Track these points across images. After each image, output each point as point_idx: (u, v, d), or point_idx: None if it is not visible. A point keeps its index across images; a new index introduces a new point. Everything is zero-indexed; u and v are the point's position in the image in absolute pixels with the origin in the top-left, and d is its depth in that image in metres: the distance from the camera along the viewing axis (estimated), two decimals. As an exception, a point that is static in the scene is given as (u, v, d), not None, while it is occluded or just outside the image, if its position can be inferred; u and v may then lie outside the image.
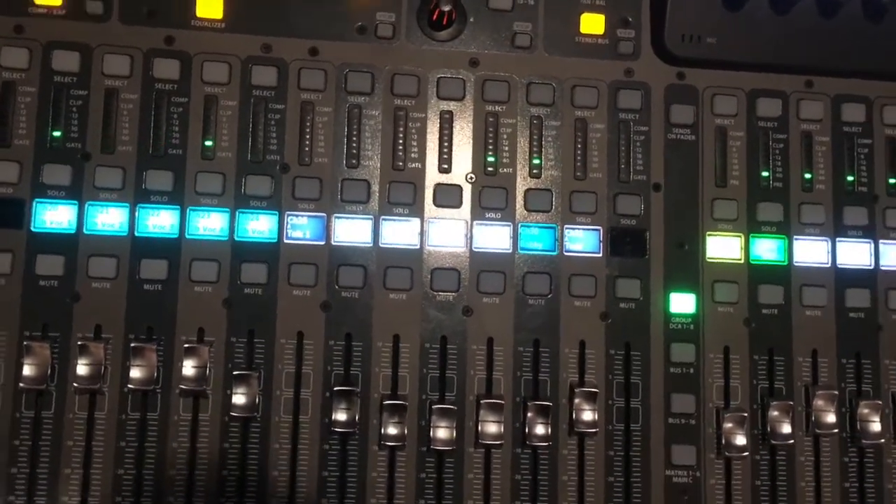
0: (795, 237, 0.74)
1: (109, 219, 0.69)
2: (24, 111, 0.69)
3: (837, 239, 0.75)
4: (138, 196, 0.70)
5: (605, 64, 0.75)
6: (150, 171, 0.70)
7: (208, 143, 0.71)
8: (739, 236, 0.74)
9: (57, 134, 0.69)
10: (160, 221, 0.69)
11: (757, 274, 0.74)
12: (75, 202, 0.69)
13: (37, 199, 0.68)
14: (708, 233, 0.74)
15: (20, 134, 0.69)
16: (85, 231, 0.69)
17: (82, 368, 0.66)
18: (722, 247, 0.74)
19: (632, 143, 0.74)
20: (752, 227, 0.74)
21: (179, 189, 0.70)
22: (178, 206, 0.70)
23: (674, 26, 0.74)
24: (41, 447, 0.66)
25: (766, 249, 0.74)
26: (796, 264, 0.74)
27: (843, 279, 0.74)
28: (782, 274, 0.74)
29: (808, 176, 0.75)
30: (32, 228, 0.68)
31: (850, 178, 0.76)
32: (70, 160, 0.69)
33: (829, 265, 0.74)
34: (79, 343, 0.66)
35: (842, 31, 0.75)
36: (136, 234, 0.69)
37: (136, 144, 0.70)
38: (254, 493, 0.67)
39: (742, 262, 0.74)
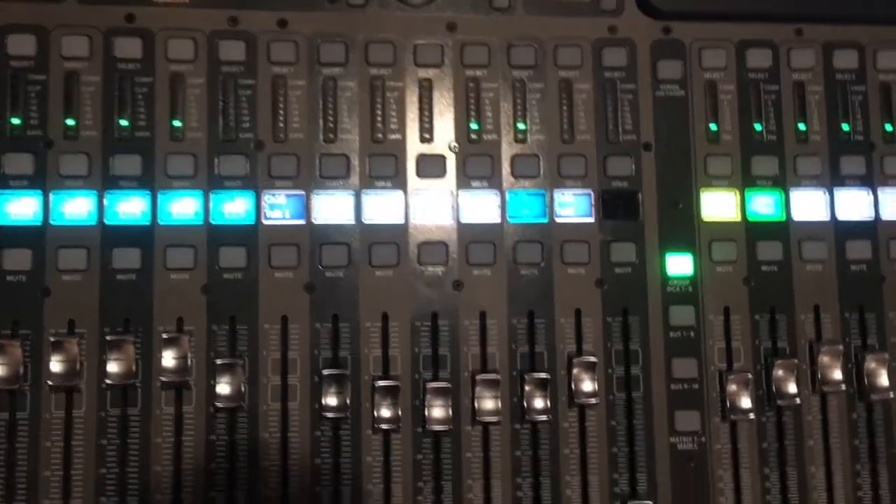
0: (792, 190, 0.72)
1: (77, 208, 0.66)
2: (-20, 99, 0.66)
3: (835, 189, 0.72)
4: (106, 183, 0.66)
5: (588, 22, 0.72)
6: (117, 155, 0.66)
7: (177, 123, 0.67)
8: (735, 192, 0.72)
9: (16, 121, 0.66)
10: (130, 208, 0.66)
11: (754, 231, 0.71)
12: (39, 192, 0.65)
13: (-2, 191, 0.65)
14: (702, 190, 0.71)
15: (-23, 123, 0.66)
16: (51, 222, 0.65)
17: (56, 365, 0.63)
18: (717, 204, 0.71)
19: (619, 103, 0.72)
20: (747, 182, 0.72)
21: (149, 173, 0.67)
22: (149, 191, 0.67)
23: (656, -22, 0.71)
24: (17, 449, 0.63)
25: (763, 204, 0.72)
26: (794, 219, 0.72)
27: (843, 231, 0.72)
28: (780, 229, 0.72)
29: (802, 127, 0.73)
30: (-5, 222, 0.65)
31: (845, 127, 0.73)
32: (31, 148, 0.66)
33: (827, 218, 0.72)
34: (51, 339, 0.63)
35: (830, -24, 0.73)
36: (106, 222, 0.66)
37: (100, 129, 0.67)
38: (245, 485, 0.65)
39: (738, 219, 0.71)
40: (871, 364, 0.70)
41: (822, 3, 0.73)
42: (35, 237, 0.65)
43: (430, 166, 0.70)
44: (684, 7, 0.72)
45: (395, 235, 0.69)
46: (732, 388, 0.68)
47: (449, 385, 0.66)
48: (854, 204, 0.72)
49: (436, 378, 0.67)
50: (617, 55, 0.72)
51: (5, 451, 0.63)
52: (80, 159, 0.66)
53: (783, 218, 0.72)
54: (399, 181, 0.69)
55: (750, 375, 0.68)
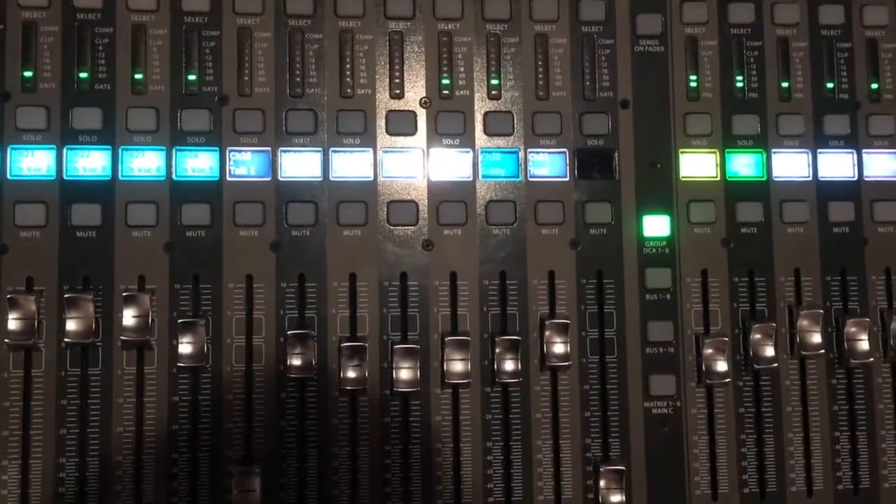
0: (774, 150, 0.70)
1: (35, 162, 0.64)
2: (-65, 50, 0.64)
3: (818, 150, 0.70)
4: (65, 136, 0.64)
5: (565, -27, 0.70)
6: (77, 108, 0.65)
7: (138, 76, 0.65)
8: (714, 152, 0.70)
9: (-29, 73, 0.64)
10: (90, 163, 0.64)
11: (734, 191, 0.69)
12: (-4, 146, 0.64)
13: (-47, 145, 0.64)
14: (681, 150, 0.69)
15: (-69, 75, 0.64)
16: (9, 177, 0.64)
17: (13, 323, 0.61)
18: (696, 164, 0.69)
19: (596, 58, 0.69)
20: (727, 141, 0.70)
21: (110, 127, 0.65)
22: (110, 146, 0.65)
23: (637, -71, 0.69)
24: (-25, 409, 0.62)
25: (743, 165, 0.70)
26: (775, 179, 0.70)
27: (825, 192, 0.70)
28: (761, 190, 0.70)
29: (785, 85, 0.71)
30: (-49, 176, 0.63)
31: (829, 85, 0.71)
32: (-13, 101, 0.64)
33: (809, 178, 0.70)
34: (8, 297, 0.61)
35: (817, -73, 0.70)
36: (65, 177, 0.64)
37: (59, 81, 0.65)
38: (207, 447, 0.63)
39: (718, 179, 0.69)
40: (851, 328, 0.68)
41: (809, -43, 0.71)
42: (-8, 192, 0.63)
43: (401, 123, 0.67)
44: (666, -40, 0.70)
45: (364, 194, 0.67)
46: (709, 351, 0.67)
47: (418, 347, 0.65)
48: (837, 164, 0.70)
49: (404, 339, 0.65)
50: (595, 9, 0.69)
51: (-39, 410, 0.62)
52: (38, 112, 0.64)
53: (764, 178, 0.70)
54: (368, 138, 0.67)
55: (727, 339, 0.67)
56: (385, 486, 0.64)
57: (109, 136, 0.65)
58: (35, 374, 0.62)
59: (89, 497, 0.62)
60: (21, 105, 0.64)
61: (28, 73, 0.64)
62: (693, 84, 0.70)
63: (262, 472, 0.63)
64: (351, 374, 0.64)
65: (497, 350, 0.65)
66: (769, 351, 0.67)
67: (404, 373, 0.64)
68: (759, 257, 0.69)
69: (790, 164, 0.70)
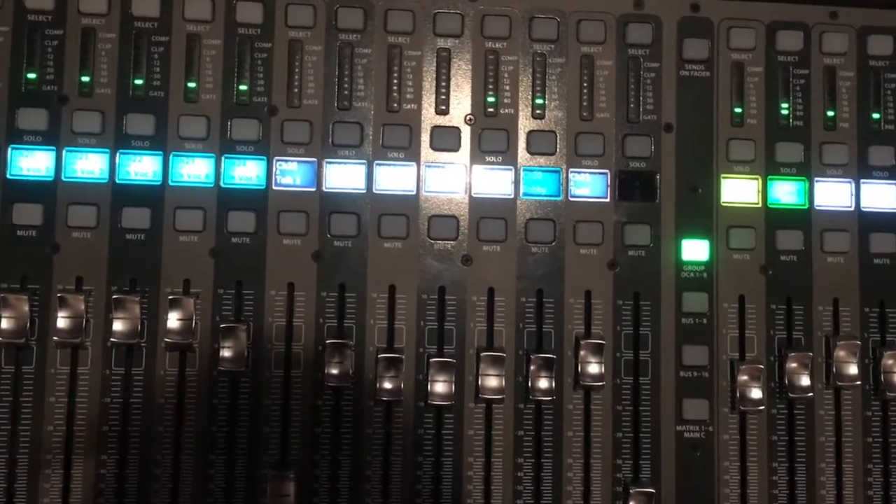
0: (816, 179, 0.70)
1: (89, 165, 0.66)
2: (-2, 52, 0.66)
3: (861, 181, 0.70)
4: (119, 141, 0.66)
5: (613, -5, 0.70)
6: (131, 114, 0.66)
7: (191, 84, 0.67)
8: (756, 179, 0.70)
9: (32, 76, 0.66)
10: (142, 168, 0.66)
11: (775, 218, 0.69)
12: (52, 148, 0.65)
13: (12, 145, 0.65)
14: (723, 175, 0.69)
15: (-7, 77, 0.66)
16: (63, 178, 0.65)
17: (63, 322, 0.63)
18: (738, 190, 0.69)
19: (641, 81, 0.70)
20: (770, 168, 0.70)
21: (162, 133, 0.66)
22: (161, 152, 0.66)
23: (687, -46, 0.69)
24: (22, 404, 0.63)
25: (785, 192, 0.70)
26: (817, 208, 0.70)
27: (868, 223, 0.70)
28: (802, 218, 0.70)
29: (830, 113, 0.70)
30: (8, 176, 0.65)
31: (875, 116, 0.71)
32: (46, 103, 0.66)
33: (852, 208, 0.70)
34: (59, 295, 0.63)
35: (869, -43, 0.70)
36: (117, 180, 0.66)
37: (115, 87, 0.66)
38: (244, 450, 0.64)
39: (759, 205, 0.69)
40: (888, 361, 0.68)
41: (860, -14, 0.71)
42: (46, 192, 0.65)
43: (445, 139, 0.68)
44: (715, -16, 0.70)
45: (406, 207, 0.68)
46: (743, 378, 0.67)
47: (453, 360, 0.65)
48: (880, 195, 0.70)
49: (440, 353, 0.66)
50: (642, 32, 0.70)
51: (10, 404, 0.63)
52: (94, 117, 0.66)
53: (805, 206, 0.70)
54: (412, 152, 0.68)
55: (762, 367, 0.67)
56: (416, 496, 0.65)
57: (161, 142, 0.66)
58: (80, 371, 0.64)
59: (128, 493, 0.64)
60: (78, 109, 0.66)
61: (85, 78, 0.66)
62: (737, 110, 0.70)
63: (296, 478, 0.64)
64: (387, 385, 0.65)
65: (532, 367, 0.65)
66: (805, 380, 0.67)
67: (440, 386, 0.65)
68: (797, 286, 0.69)
69: (833, 194, 0.70)
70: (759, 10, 0.71)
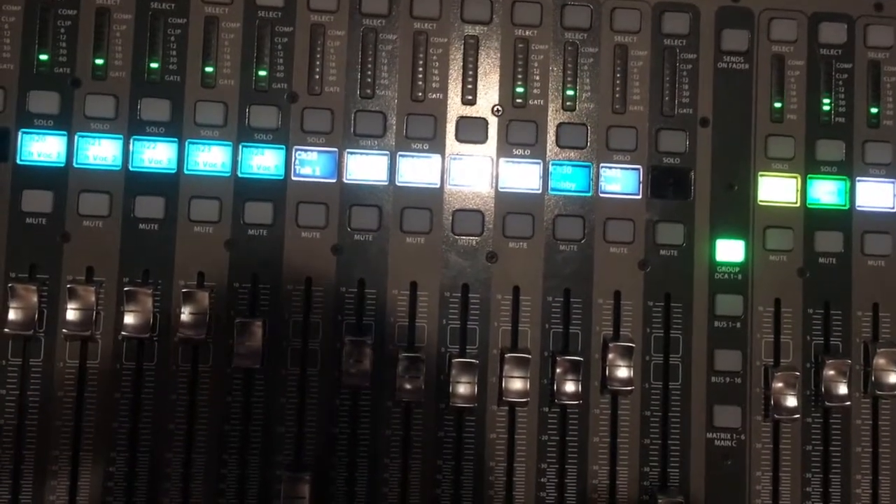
0: (858, 178, 0.67)
1: (101, 151, 0.63)
2: (9, 32, 0.63)
3: (906, 181, 0.67)
4: (133, 127, 0.64)
5: (649, -17, 0.68)
6: (146, 99, 0.64)
7: (209, 69, 0.64)
8: (795, 177, 0.67)
9: (44, 58, 0.63)
10: (156, 155, 0.64)
11: (814, 219, 0.67)
12: (64, 133, 0.63)
13: (23, 129, 0.63)
14: (760, 173, 0.67)
15: (4, 58, 0.63)
16: (75, 164, 0.63)
17: (72, 314, 0.61)
18: (775, 189, 0.67)
19: (677, 73, 0.67)
20: (809, 166, 0.67)
21: (177, 120, 0.64)
22: (176, 139, 0.64)
23: (727, -60, 0.66)
24: (29, 397, 0.61)
25: (825, 192, 0.67)
26: (858, 208, 0.67)
27: (911, 225, 0.67)
28: (842, 219, 0.67)
29: (874, 110, 0.68)
30: (18, 161, 0.63)
31: (922, 113, 0.68)
32: (58, 87, 0.63)
33: (894, 209, 0.67)
34: (68, 286, 0.61)
35: (918, -53, 0.67)
36: (131, 168, 0.63)
37: (130, 70, 0.64)
38: (257, 449, 0.62)
39: (798, 205, 0.67)
40: (930, 370, 0.65)
41: (907, -23, 0.67)
42: (57, 179, 0.63)
43: (471, 130, 0.66)
44: (755, -27, 0.67)
45: (429, 200, 0.65)
46: (779, 385, 0.64)
47: (476, 361, 0.63)
48: (926, 196, 0.67)
49: (463, 353, 0.64)
50: (678, 21, 0.67)
51: (16, 398, 0.61)
52: (107, 101, 0.63)
53: (846, 206, 0.67)
54: (437, 144, 0.66)
55: (798, 374, 0.64)
56: (435, 501, 0.63)
57: (177, 128, 0.64)
58: (90, 365, 0.62)
59: (137, 491, 0.62)
60: (91, 93, 0.63)
61: (99, 61, 0.64)
62: (777, 105, 0.67)
63: (312, 480, 0.61)
64: (407, 385, 0.62)
65: (558, 370, 0.63)
66: (842, 388, 0.64)
67: (462, 387, 0.62)
68: (836, 290, 0.66)
69: (875, 194, 0.67)
70: (802, 1, 0.68)
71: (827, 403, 0.64)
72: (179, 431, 0.62)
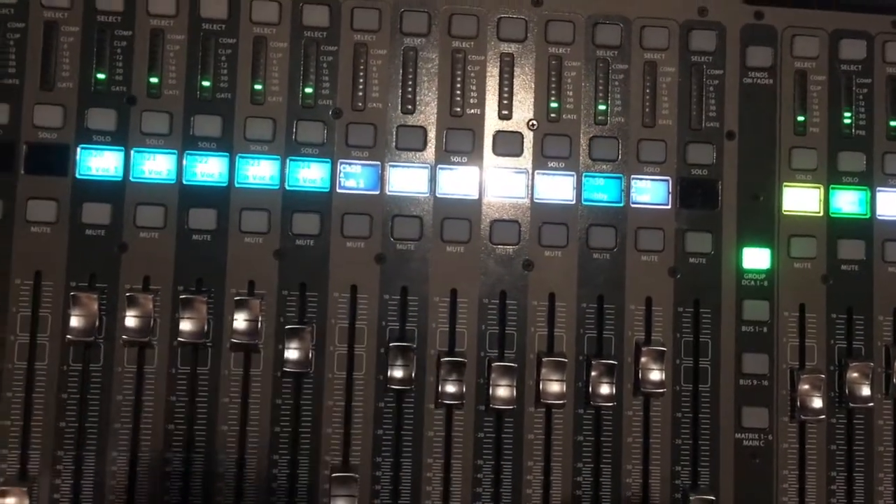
0: (879, 189, 0.70)
1: (157, 166, 0.66)
2: (68, 52, 0.66)
3: (925, 191, 0.70)
4: (186, 142, 0.67)
5: (677, 2, 0.70)
6: (198, 116, 0.67)
7: (258, 86, 0.67)
8: (819, 187, 0.70)
9: (101, 76, 0.66)
10: (208, 169, 0.67)
11: (837, 228, 0.69)
12: (121, 148, 0.66)
13: (81, 145, 0.66)
14: (785, 184, 0.69)
15: (63, 76, 0.66)
16: (131, 178, 0.66)
17: (131, 321, 0.64)
18: (799, 199, 0.69)
19: (704, 88, 0.70)
20: (832, 177, 0.70)
21: (228, 135, 0.67)
22: (227, 153, 0.67)
23: (752, -39, 0.69)
24: (89, 401, 0.64)
25: (847, 202, 0.70)
26: (879, 217, 0.70)
27: (931, 233, 0.70)
28: (864, 228, 0.69)
29: (893, 123, 0.70)
30: (78, 175, 0.66)
31: (939, 126, 0.71)
32: (115, 104, 0.66)
33: (915, 218, 0.70)
34: (127, 294, 0.64)
35: (935, -34, 0.70)
36: (184, 181, 0.66)
37: (183, 88, 0.67)
38: (307, 450, 0.65)
39: (821, 214, 0.69)
40: (949, 372, 0.68)
41: (924, -5, 0.70)
42: (115, 192, 0.66)
43: (507, 143, 0.69)
44: (778, -8, 0.70)
45: (468, 211, 0.68)
46: (804, 387, 0.67)
47: (514, 365, 0.66)
48: (944, 206, 0.70)
49: (501, 357, 0.67)
50: (705, 39, 0.70)
51: (77, 402, 0.64)
52: (161, 118, 0.66)
53: (868, 215, 0.70)
54: (475, 157, 0.68)
55: (823, 376, 0.67)
56: (476, 500, 0.66)
57: (227, 143, 0.67)
58: (147, 369, 0.65)
59: (192, 492, 0.64)
60: (146, 110, 0.66)
61: (154, 80, 0.67)
62: (800, 118, 0.70)
63: (358, 479, 0.64)
64: (450, 388, 0.65)
65: (593, 373, 0.66)
66: (865, 390, 0.67)
67: (502, 390, 0.65)
68: (858, 295, 0.69)
69: (895, 204, 0.70)
70: (823, 19, 0.71)
71: (851, 405, 0.67)
72: (232, 433, 0.65)
